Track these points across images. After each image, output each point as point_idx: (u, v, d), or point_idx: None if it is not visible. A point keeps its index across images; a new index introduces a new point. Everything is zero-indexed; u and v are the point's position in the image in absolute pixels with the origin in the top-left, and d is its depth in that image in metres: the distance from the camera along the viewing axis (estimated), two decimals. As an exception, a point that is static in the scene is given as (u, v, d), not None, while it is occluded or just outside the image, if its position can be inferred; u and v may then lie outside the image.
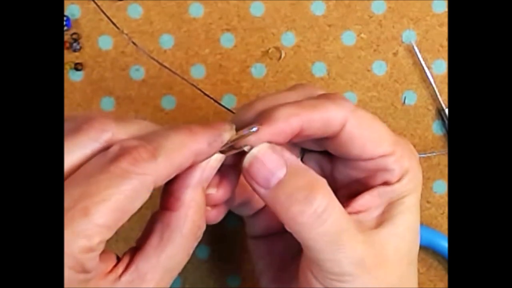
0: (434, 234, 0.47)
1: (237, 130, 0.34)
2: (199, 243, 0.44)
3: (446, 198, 0.48)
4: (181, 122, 0.47)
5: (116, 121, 0.32)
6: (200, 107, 0.47)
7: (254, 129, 0.33)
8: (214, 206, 0.36)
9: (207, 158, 0.33)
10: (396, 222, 0.35)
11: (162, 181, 0.31)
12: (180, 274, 0.47)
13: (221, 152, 0.34)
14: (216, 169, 0.34)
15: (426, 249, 0.47)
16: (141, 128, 0.33)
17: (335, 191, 0.34)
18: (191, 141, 0.32)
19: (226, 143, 0.33)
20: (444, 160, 0.47)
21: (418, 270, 0.48)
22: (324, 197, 0.33)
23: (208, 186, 0.34)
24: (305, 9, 0.47)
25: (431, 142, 0.48)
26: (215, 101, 0.46)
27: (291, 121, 0.33)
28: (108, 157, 0.30)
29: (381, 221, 0.35)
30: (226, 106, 0.46)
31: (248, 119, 0.34)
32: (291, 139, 0.34)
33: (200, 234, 0.34)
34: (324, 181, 0.33)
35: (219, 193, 0.35)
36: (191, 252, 0.34)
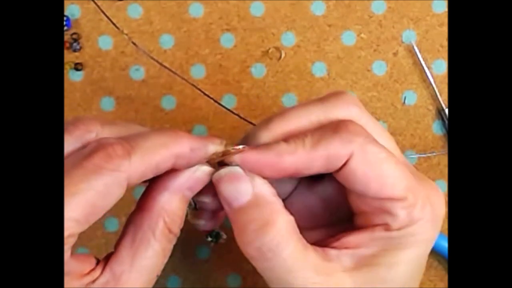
0: (434, 234, 0.47)
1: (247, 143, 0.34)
2: (199, 243, 0.44)
3: (446, 198, 0.48)
4: (181, 122, 0.47)
5: (102, 123, 0.33)
6: (200, 107, 0.47)
7: (240, 147, 0.33)
8: (210, 214, 0.36)
9: (189, 165, 0.33)
10: (377, 272, 0.33)
11: (137, 179, 0.31)
12: (180, 274, 0.48)
13: (212, 166, 0.34)
14: (204, 181, 0.34)
15: (426, 249, 0.47)
16: (127, 130, 0.33)
17: (352, 216, 0.34)
18: (173, 142, 0.32)
19: (214, 158, 0.33)
20: (444, 160, 0.47)
21: (418, 270, 0.48)
22: (275, 236, 0.32)
23: (202, 195, 0.35)
24: (305, 9, 0.47)
25: (431, 142, 0.48)
26: (215, 101, 0.46)
27: (285, 157, 0.33)
28: (84, 153, 0.31)
29: (364, 264, 0.33)
30: (226, 106, 0.46)
31: (259, 139, 0.34)
32: (286, 176, 0.34)
33: (172, 238, 0.33)
34: (285, 221, 0.33)
35: (214, 202, 0.35)
36: (167, 253, 0.33)
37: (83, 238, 0.46)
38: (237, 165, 0.33)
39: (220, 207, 0.34)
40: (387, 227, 0.33)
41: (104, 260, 0.33)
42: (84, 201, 0.30)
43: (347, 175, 0.33)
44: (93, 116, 0.33)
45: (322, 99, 0.35)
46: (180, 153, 0.32)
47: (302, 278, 0.32)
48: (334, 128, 0.33)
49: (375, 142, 0.33)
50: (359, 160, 0.32)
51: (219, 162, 0.34)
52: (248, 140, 0.35)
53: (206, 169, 0.34)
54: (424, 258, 0.35)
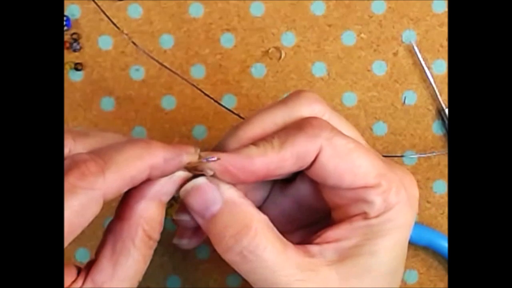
0: (434, 234, 0.47)
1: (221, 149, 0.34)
2: (199, 243, 0.44)
3: (446, 198, 0.48)
4: (181, 122, 0.47)
5: (75, 136, 0.32)
6: (200, 107, 0.47)
7: (213, 159, 0.33)
8: (191, 232, 0.36)
9: (164, 174, 0.33)
10: (360, 262, 0.33)
11: (113, 194, 0.31)
12: (180, 274, 0.48)
13: (187, 170, 0.34)
14: (178, 184, 0.34)
15: (426, 249, 0.47)
16: (100, 141, 0.33)
17: (330, 211, 0.34)
18: (147, 154, 0.32)
19: (188, 167, 0.33)
20: (444, 160, 0.47)
21: (418, 270, 0.48)
22: (253, 238, 0.32)
23: (182, 213, 0.35)
24: (305, 9, 0.47)
25: (431, 142, 0.48)
26: (215, 101, 0.46)
27: (255, 159, 0.33)
28: None
29: (347, 255, 0.33)
30: (226, 106, 0.46)
31: (228, 146, 0.34)
32: (260, 179, 0.34)
33: (153, 244, 0.34)
34: (259, 220, 0.33)
35: (193, 219, 0.35)
36: (148, 259, 0.34)
37: (83, 238, 0.46)
38: (210, 171, 0.33)
39: (196, 224, 0.34)
40: (365, 215, 0.33)
41: (85, 270, 0.33)
42: None
43: (318, 170, 0.33)
44: (66, 129, 0.32)
45: (284, 101, 0.36)
46: (155, 164, 0.32)
47: (285, 276, 0.32)
48: (298, 126, 0.34)
49: (341, 134, 0.34)
50: (328, 153, 0.33)
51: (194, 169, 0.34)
52: (218, 149, 0.35)
53: (181, 173, 0.34)
54: (405, 241, 0.35)
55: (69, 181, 0.30)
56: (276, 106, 0.35)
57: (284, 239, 0.33)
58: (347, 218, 0.34)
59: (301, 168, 0.34)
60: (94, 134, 0.33)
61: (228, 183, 0.34)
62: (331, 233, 0.34)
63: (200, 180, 0.33)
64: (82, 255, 0.47)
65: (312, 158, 0.33)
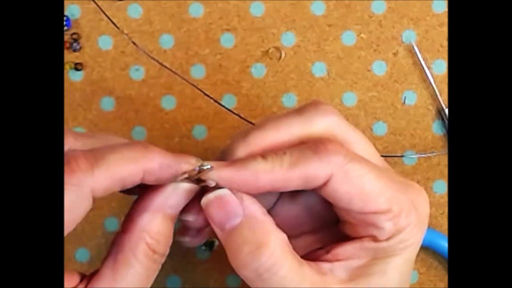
0: (434, 234, 0.47)
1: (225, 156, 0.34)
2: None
3: (446, 198, 0.48)
4: (181, 122, 0.47)
5: (76, 136, 0.32)
6: (200, 107, 0.47)
7: (207, 167, 0.33)
8: (194, 232, 0.36)
9: (159, 181, 0.33)
10: (371, 282, 0.33)
11: (102, 193, 0.31)
12: (180, 274, 0.48)
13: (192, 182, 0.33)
14: (186, 198, 0.34)
15: (426, 249, 0.47)
16: (102, 142, 0.33)
17: (338, 222, 0.34)
18: (142, 157, 0.32)
19: (189, 175, 0.33)
20: (444, 160, 0.47)
21: (418, 270, 0.48)
22: (270, 257, 0.32)
23: (187, 213, 0.34)
24: (305, 9, 0.47)
25: (431, 142, 0.48)
26: (215, 101, 0.46)
27: (261, 177, 0.32)
28: None
29: (357, 275, 0.34)
30: (226, 106, 0.46)
31: (237, 153, 0.34)
32: (263, 192, 0.33)
33: (158, 258, 0.33)
34: (278, 238, 0.33)
35: (198, 220, 0.35)
36: (152, 274, 0.33)
37: (83, 238, 0.46)
38: (213, 182, 0.33)
39: (205, 225, 0.34)
40: (374, 238, 0.33)
41: (88, 278, 0.33)
42: None
43: (328, 193, 0.33)
44: (67, 130, 0.32)
45: (300, 111, 0.35)
46: (149, 169, 0.32)
47: None
48: (313, 148, 0.33)
49: (355, 159, 0.33)
50: (339, 179, 0.32)
51: (196, 179, 0.33)
52: (225, 154, 0.34)
53: (186, 185, 0.33)
54: (413, 259, 0.35)
55: None
56: (292, 115, 0.35)
57: (299, 258, 0.33)
58: (357, 236, 0.34)
59: (308, 188, 0.33)
60: (98, 136, 0.33)
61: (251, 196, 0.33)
62: (341, 250, 0.34)
63: (224, 191, 0.33)
64: (82, 255, 0.47)
65: (321, 183, 0.33)
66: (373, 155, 0.35)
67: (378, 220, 0.33)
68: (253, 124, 0.46)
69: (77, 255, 0.47)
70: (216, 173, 0.33)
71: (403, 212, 0.33)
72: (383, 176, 0.33)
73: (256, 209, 0.33)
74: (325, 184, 0.33)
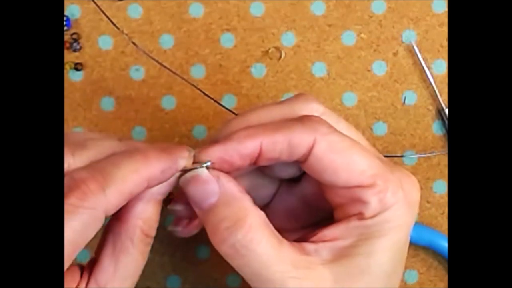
0: (434, 234, 0.47)
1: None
2: (199, 243, 0.44)
3: (446, 198, 0.48)
4: (181, 122, 0.47)
5: (72, 150, 0.32)
6: (200, 107, 0.47)
7: (208, 164, 0.33)
8: (185, 221, 0.36)
9: (161, 183, 0.34)
10: (355, 262, 0.33)
11: (113, 210, 0.32)
12: (180, 274, 0.47)
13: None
14: (172, 184, 0.34)
15: (426, 249, 0.47)
16: (100, 152, 0.33)
17: (332, 210, 0.34)
18: (144, 167, 0.32)
19: (182, 170, 0.34)
20: (444, 160, 0.47)
21: (418, 270, 0.48)
22: (247, 232, 0.32)
23: (176, 203, 0.35)
24: (305, 9, 0.47)
25: (431, 142, 0.48)
26: (215, 101, 0.46)
27: (247, 142, 0.33)
28: None
29: (342, 255, 0.33)
30: (226, 106, 0.46)
31: (222, 137, 0.34)
32: (253, 162, 0.34)
33: (149, 241, 0.34)
34: (255, 216, 0.33)
35: (187, 209, 0.35)
36: (146, 256, 0.34)
37: (83, 238, 0.46)
38: (205, 163, 0.34)
39: (195, 214, 0.35)
40: (361, 216, 0.33)
41: (88, 270, 0.34)
42: (65, 241, 0.30)
43: (313, 164, 0.33)
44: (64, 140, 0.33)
45: (281, 101, 0.36)
46: (152, 177, 0.33)
47: (279, 272, 0.32)
48: (298, 118, 0.34)
49: (338, 132, 0.33)
50: (323, 147, 0.33)
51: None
52: (211, 142, 0.35)
53: (177, 174, 0.34)
54: (403, 244, 0.35)
55: (71, 202, 0.30)
56: (273, 104, 0.36)
57: (280, 236, 0.33)
58: (344, 218, 0.34)
59: (293, 157, 0.33)
60: (91, 145, 0.33)
61: (228, 174, 0.34)
62: (328, 232, 0.34)
63: (201, 170, 0.34)
64: (82, 255, 0.47)
65: (305, 149, 0.33)
66: (359, 139, 0.35)
67: (364, 195, 0.33)
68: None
69: (77, 255, 0.47)
70: (205, 152, 0.33)
71: (390, 189, 0.33)
72: (368, 152, 0.34)
73: (232, 187, 0.34)
74: (309, 154, 0.33)
